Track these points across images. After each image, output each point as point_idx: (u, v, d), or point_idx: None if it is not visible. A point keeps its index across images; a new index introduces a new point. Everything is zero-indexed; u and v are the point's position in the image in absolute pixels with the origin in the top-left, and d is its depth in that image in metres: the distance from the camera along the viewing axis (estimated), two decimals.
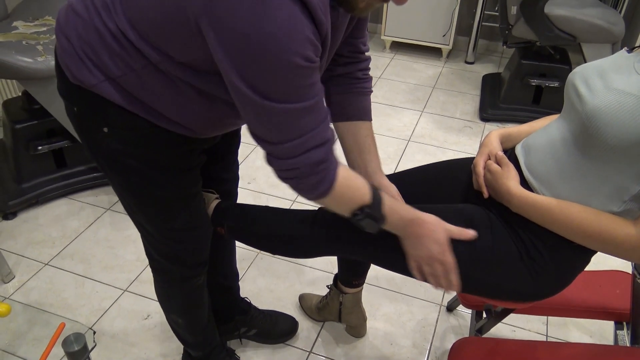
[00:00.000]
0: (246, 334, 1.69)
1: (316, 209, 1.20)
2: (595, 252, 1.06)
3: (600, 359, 1.24)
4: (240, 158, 1.45)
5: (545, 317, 1.84)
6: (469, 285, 1.14)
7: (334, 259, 2.00)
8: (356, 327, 1.73)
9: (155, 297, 1.40)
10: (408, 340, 1.75)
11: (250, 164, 2.51)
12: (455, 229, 1.07)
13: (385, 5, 3.10)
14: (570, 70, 1.10)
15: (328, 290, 1.69)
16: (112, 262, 2.01)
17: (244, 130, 1.09)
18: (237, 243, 1.52)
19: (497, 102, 3.02)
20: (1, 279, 1.90)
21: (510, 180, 1.07)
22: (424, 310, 1.86)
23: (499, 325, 1.44)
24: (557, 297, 1.16)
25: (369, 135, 1.22)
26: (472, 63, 3.66)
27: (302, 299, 1.84)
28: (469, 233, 1.07)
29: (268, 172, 2.38)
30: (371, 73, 1.24)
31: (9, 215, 2.18)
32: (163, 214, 1.14)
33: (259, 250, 2.05)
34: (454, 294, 1.85)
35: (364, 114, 1.22)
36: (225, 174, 1.38)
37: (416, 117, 3.01)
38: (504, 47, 2.99)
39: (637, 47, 1.01)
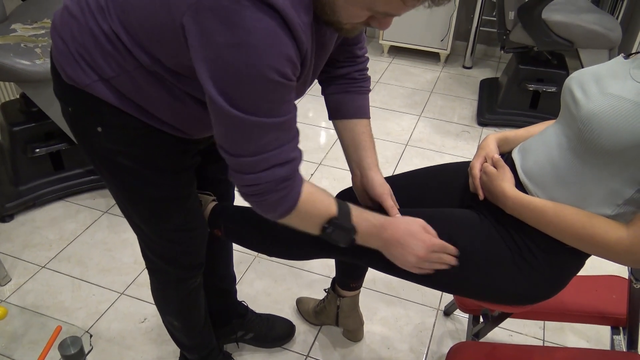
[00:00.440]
0: (243, 337, 1.68)
1: None
2: (589, 255, 1.06)
3: None
4: None
5: (542, 321, 1.84)
6: (463, 288, 1.14)
7: (331, 263, 1.99)
8: (353, 331, 1.73)
9: (152, 300, 1.39)
10: (405, 345, 1.75)
11: None
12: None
13: None
14: (568, 76, 1.11)
15: (325, 293, 1.69)
16: (109, 265, 2.01)
17: None
18: (235, 246, 1.52)
19: (495, 107, 3.03)
20: None
21: (505, 182, 1.07)
22: (421, 315, 1.86)
23: (496, 329, 1.44)
24: (554, 301, 1.16)
25: (365, 132, 1.21)
26: (469, 68, 3.67)
27: (300, 302, 1.84)
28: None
29: None
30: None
31: (6, 217, 2.18)
32: (158, 214, 1.14)
33: (256, 253, 2.05)
34: (451, 297, 1.85)
35: (362, 113, 1.22)
36: (221, 175, 1.38)
37: (414, 121, 3.02)
38: (502, 52, 3.00)
39: (633, 53, 1.01)
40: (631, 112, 0.90)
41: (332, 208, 0.99)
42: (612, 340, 1.46)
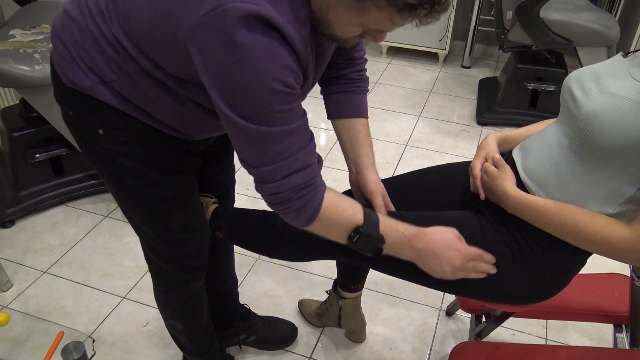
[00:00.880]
0: (245, 340, 1.68)
1: None
2: (590, 254, 1.06)
3: None
4: (237, 164, 1.46)
5: (545, 320, 1.84)
6: (465, 289, 1.14)
7: (332, 264, 1.99)
8: (356, 333, 1.73)
9: (154, 304, 1.39)
10: (408, 345, 1.75)
11: None
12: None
13: None
14: (566, 74, 1.11)
15: (327, 295, 1.69)
16: (110, 270, 2.01)
17: None
18: (236, 249, 1.52)
19: (494, 106, 3.03)
20: None
21: (507, 182, 1.07)
22: (423, 315, 1.86)
23: (499, 329, 1.44)
24: (556, 300, 1.16)
25: (363, 131, 1.22)
26: (468, 67, 3.67)
27: (302, 304, 1.84)
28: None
29: None
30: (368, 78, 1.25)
31: (7, 223, 2.18)
32: (159, 215, 1.15)
33: (257, 256, 2.05)
34: (453, 297, 1.85)
35: (359, 112, 1.23)
36: (221, 176, 1.38)
37: (413, 121, 3.02)
38: (500, 51, 3.00)
39: (632, 51, 1.02)
40: (631, 111, 0.90)
41: (358, 216, 0.98)
42: (615, 338, 1.46)
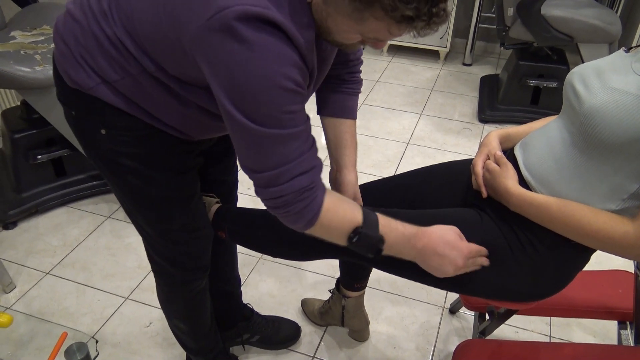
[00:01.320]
0: (249, 340, 1.68)
1: None
2: (594, 250, 1.06)
3: (604, 359, 1.24)
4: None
5: (548, 317, 1.83)
6: (469, 287, 1.14)
7: (335, 263, 1.99)
8: (359, 331, 1.73)
9: (157, 305, 1.39)
10: (411, 344, 1.75)
11: None
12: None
13: None
14: (568, 71, 1.11)
15: (330, 294, 1.69)
16: (113, 270, 2.01)
17: None
18: (239, 248, 1.52)
19: (496, 104, 3.03)
20: (2, 289, 1.90)
21: (509, 179, 1.07)
22: (426, 313, 1.85)
23: (502, 326, 1.44)
24: (560, 297, 1.16)
25: (349, 132, 1.24)
26: (469, 65, 3.66)
27: (305, 303, 1.84)
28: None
29: None
30: (369, 77, 1.26)
31: (9, 224, 2.18)
32: (162, 214, 1.15)
33: (260, 255, 2.05)
34: (456, 295, 1.85)
35: (348, 113, 1.24)
36: (224, 176, 1.38)
37: (415, 119, 3.02)
38: (502, 48, 2.99)
39: (634, 47, 1.01)
40: (634, 106, 0.89)
41: (358, 217, 0.98)
42: (619, 335, 1.45)
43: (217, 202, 1.34)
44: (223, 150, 1.31)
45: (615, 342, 1.54)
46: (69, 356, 1.10)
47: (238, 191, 1.47)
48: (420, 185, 1.29)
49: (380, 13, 0.77)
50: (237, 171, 1.43)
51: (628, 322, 1.46)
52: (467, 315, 1.85)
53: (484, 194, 1.13)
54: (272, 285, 1.96)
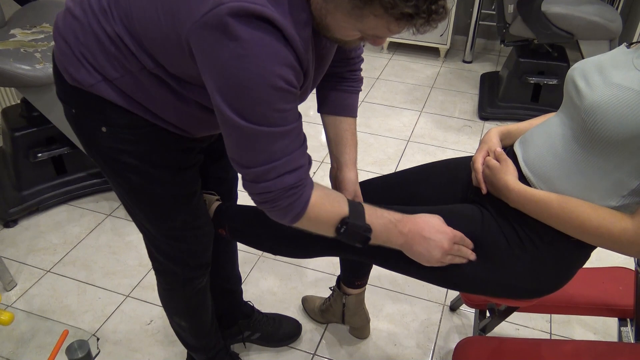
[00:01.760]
0: (250, 337, 1.68)
1: None
2: (594, 247, 1.06)
3: (604, 356, 1.24)
4: None
5: (549, 314, 1.83)
6: (469, 285, 1.14)
7: (336, 261, 1.99)
8: (360, 329, 1.73)
9: (158, 302, 1.40)
10: (412, 341, 1.75)
11: None
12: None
13: None
14: (568, 68, 1.10)
15: (331, 292, 1.69)
16: (114, 268, 2.01)
17: None
18: (239, 246, 1.52)
19: (496, 101, 3.03)
20: (3, 287, 1.90)
21: (509, 175, 1.07)
22: (427, 311, 1.85)
23: (503, 324, 1.44)
24: (560, 294, 1.16)
25: (349, 130, 1.24)
26: (470, 62, 3.66)
27: (305, 301, 1.84)
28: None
29: None
30: (370, 74, 1.26)
31: (10, 222, 2.18)
32: (163, 212, 1.15)
33: (260, 253, 2.05)
34: (456, 292, 1.85)
35: (348, 111, 1.24)
36: (224, 173, 1.39)
37: (415, 117, 3.01)
38: (502, 45, 2.99)
39: (635, 42, 1.01)
40: (635, 102, 0.89)
41: (344, 208, 1.00)
42: (620, 332, 1.45)
43: (217, 200, 1.34)
44: (223, 147, 1.31)
45: (615, 339, 1.54)
46: (70, 354, 1.09)
47: (238, 189, 1.47)
48: (420, 182, 1.29)
49: (379, 10, 0.77)
50: None
51: (628, 319, 1.46)
52: (468, 312, 1.85)
53: (484, 190, 1.13)
54: (273, 282, 1.96)
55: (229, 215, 1.31)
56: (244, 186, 0.94)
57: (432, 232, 1.03)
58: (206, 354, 1.51)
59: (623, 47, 1.02)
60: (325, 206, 0.98)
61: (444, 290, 1.92)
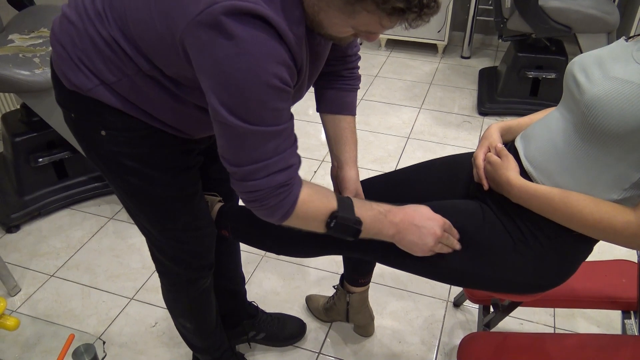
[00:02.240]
0: (254, 337, 1.69)
1: None
2: (597, 241, 1.06)
3: (608, 349, 1.24)
4: None
5: (552, 308, 1.84)
6: (472, 281, 1.14)
7: (339, 259, 2.00)
8: (364, 327, 1.73)
9: (163, 304, 1.40)
10: (416, 338, 1.76)
11: None
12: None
13: None
14: (567, 62, 1.11)
15: (334, 290, 1.69)
16: (117, 271, 2.01)
17: None
18: (242, 246, 1.52)
19: (495, 96, 3.03)
20: (7, 292, 1.90)
21: (510, 171, 1.07)
22: (431, 307, 1.86)
23: (507, 318, 1.44)
24: (563, 288, 1.16)
25: (348, 128, 1.24)
26: (468, 58, 3.66)
27: (309, 300, 1.84)
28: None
29: None
30: (368, 72, 1.26)
31: (12, 228, 2.18)
32: (165, 214, 1.15)
33: (263, 253, 2.05)
34: (460, 288, 1.85)
35: (347, 109, 1.24)
36: (224, 174, 1.38)
37: (414, 114, 3.02)
38: (500, 40, 2.99)
39: (634, 35, 1.01)
40: (636, 95, 0.89)
41: (332, 202, 1.00)
42: (624, 325, 1.46)
43: (219, 201, 1.34)
44: None
45: (619, 331, 1.54)
46: (77, 357, 1.10)
47: None
48: (421, 179, 1.29)
49: (371, 6, 0.77)
50: None
51: (632, 312, 1.46)
52: (472, 308, 1.85)
53: (486, 186, 1.14)
54: (276, 282, 1.96)
55: (231, 216, 1.32)
56: (233, 184, 0.95)
57: (423, 220, 1.04)
58: (211, 355, 1.51)
59: (622, 40, 1.02)
60: (314, 202, 0.99)
61: (447, 286, 1.93)
